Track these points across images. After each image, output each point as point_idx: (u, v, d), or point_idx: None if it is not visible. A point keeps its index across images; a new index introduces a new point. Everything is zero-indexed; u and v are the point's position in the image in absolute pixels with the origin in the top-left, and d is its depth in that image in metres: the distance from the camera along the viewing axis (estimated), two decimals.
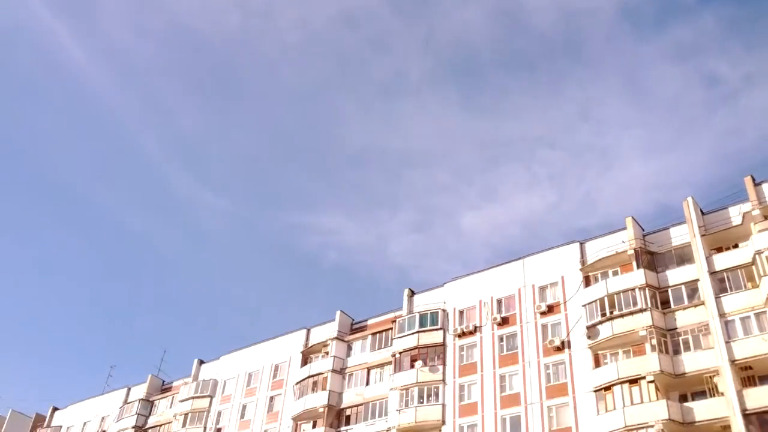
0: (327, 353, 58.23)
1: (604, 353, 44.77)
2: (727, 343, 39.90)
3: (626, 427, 40.22)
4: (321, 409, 54.93)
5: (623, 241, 46.97)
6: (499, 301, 51.62)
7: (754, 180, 44.39)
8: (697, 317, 42.28)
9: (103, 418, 75.05)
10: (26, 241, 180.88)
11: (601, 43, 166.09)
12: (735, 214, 44.63)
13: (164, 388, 73.33)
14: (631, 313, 43.52)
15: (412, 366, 51.76)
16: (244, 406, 62.68)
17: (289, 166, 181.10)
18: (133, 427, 68.98)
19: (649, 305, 43.26)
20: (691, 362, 41.09)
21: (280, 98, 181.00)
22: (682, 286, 43.77)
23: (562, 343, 46.58)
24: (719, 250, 44.17)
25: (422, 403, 50.07)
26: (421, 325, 53.40)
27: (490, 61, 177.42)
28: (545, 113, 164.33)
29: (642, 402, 40.78)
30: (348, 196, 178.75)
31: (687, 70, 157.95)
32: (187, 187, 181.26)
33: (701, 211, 45.74)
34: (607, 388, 42.64)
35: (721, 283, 42.35)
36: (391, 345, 54.70)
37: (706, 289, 42.36)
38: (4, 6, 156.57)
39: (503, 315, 50.69)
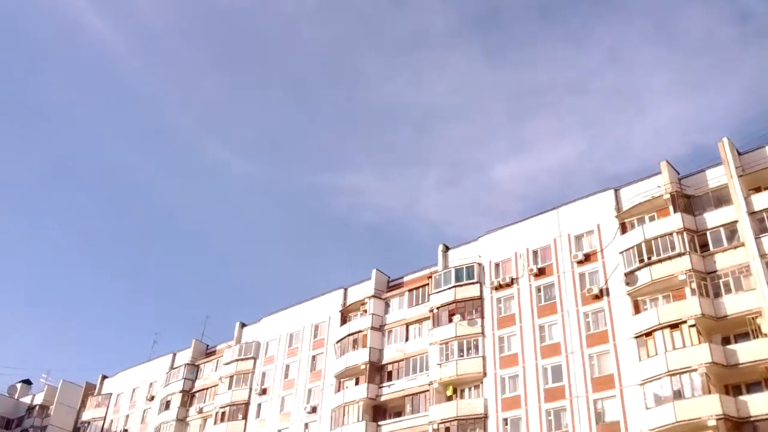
0: (365, 311, 58.74)
1: (644, 299, 44.51)
2: None
3: (669, 371, 40.15)
4: (362, 366, 55.63)
5: (659, 186, 46.34)
6: (535, 252, 51.42)
7: None
8: (737, 259, 41.74)
9: (151, 383, 76.94)
10: (69, 219, 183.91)
11: None
12: None
13: (208, 352, 74.79)
14: (670, 258, 43.12)
15: (450, 320, 52.03)
16: (287, 366, 63.74)
17: (315, 128, 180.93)
18: (180, 391, 70.64)
19: (688, 249, 42.79)
20: (732, 304, 40.72)
21: (302, 59, 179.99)
22: (721, 229, 43.17)
23: (601, 291, 46.37)
24: (757, 190, 43.31)
25: (462, 356, 50.41)
26: (458, 279, 53.50)
27: (514, 9, 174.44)
28: (573, 59, 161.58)
29: (684, 346, 40.58)
30: (377, 155, 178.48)
31: (717, 6, 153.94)
32: (215, 155, 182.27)
33: (737, 151, 44.84)
34: (648, 334, 42.44)
35: (761, 223, 41.66)
36: (428, 301, 54.96)
37: (745, 230, 41.72)
38: None
39: (539, 266, 50.51)
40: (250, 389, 64.96)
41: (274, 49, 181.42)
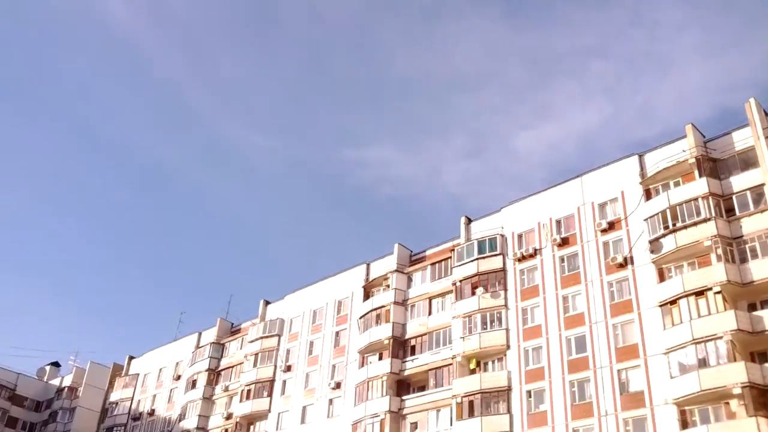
0: (388, 286, 58.41)
1: (669, 267, 43.57)
2: None
3: (694, 339, 39.34)
4: (386, 341, 55.39)
5: (684, 150, 45.20)
6: (558, 222, 50.60)
7: None
8: (764, 223, 40.69)
9: (177, 363, 77.49)
10: (93, 201, 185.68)
11: None
12: None
13: (233, 331, 75.02)
14: (695, 224, 42.15)
15: (473, 293, 51.48)
16: (311, 343, 63.74)
17: (334, 102, 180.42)
18: (206, 370, 71.05)
19: (713, 214, 41.80)
20: (759, 270, 39.68)
21: (319, 33, 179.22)
22: (747, 192, 42.06)
23: (625, 259, 45.51)
24: None
25: (486, 329, 49.88)
26: (480, 252, 52.89)
27: None
28: (595, 22, 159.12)
29: (709, 314, 39.73)
30: (397, 127, 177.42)
31: None
32: (237, 132, 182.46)
33: (765, 112, 43.56)
34: (673, 302, 41.57)
35: None
36: (450, 274, 54.45)
37: None
38: None
39: (563, 235, 49.73)
40: (275, 366, 65.09)
41: (291, 24, 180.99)
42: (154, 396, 77.93)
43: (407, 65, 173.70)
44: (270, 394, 64.05)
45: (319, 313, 64.76)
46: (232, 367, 70.15)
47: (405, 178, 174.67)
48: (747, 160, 43.07)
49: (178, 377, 75.94)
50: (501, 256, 52.21)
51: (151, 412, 76.61)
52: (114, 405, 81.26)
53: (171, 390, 76.40)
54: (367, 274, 62.24)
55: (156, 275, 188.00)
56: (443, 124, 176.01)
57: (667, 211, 43.68)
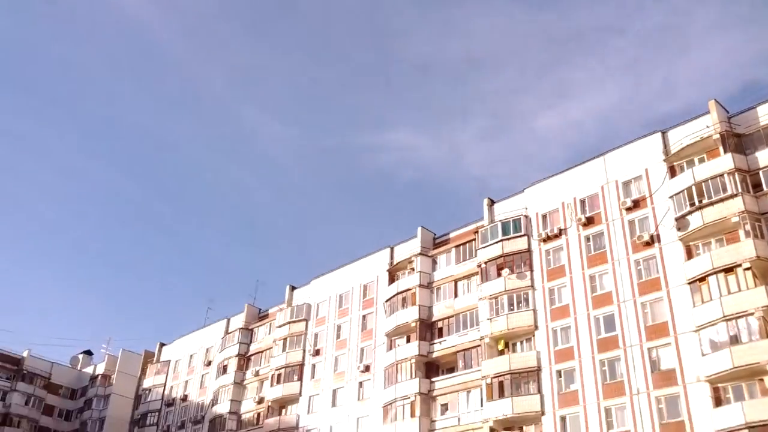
0: (413, 269, 58.63)
1: (696, 244, 43.38)
2: None
3: (724, 316, 39.26)
4: (413, 324, 55.71)
5: (707, 126, 44.75)
6: (583, 201, 50.42)
7: None
8: None
9: (207, 349, 78.49)
10: (118, 190, 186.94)
11: None
12: None
13: (261, 316, 75.77)
14: (722, 200, 41.84)
15: (499, 275, 51.58)
16: (339, 327, 64.28)
17: (352, 87, 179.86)
18: (236, 355, 71.93)
19: (740, 190, 41.46)
20: None
21: (334, 17, 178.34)
22: None
23: (652, 237, 45.34)
24: None
25: (513, 310, 50.04)
26: (504, 233, 52.89)
27: None
28: None
29: (740, 290, 39.60)
30: (416, 110, 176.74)
31: None
32: (254, 119, 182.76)
33: None
34: (702, 279, 41.41)
35: None
36: (475, 256, 54.55)
37: None
38: None
39: (588, 215, 49.54)
40: (304, 350, 65.76)
41: (306, 8, 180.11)
42: (186, 382, 79.09)
43: (424, 47, 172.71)
44: (300, 378, 64.78)
45: (345, 297, 65.21)
46: (262, 352, 70.99)
47: (426, 161, 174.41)
48: None
49: (209, 363, 76.96)
50: (526, 237, 52.18)
51: (184, 398, 77.79)
52: (147, 391, 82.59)
53: (202, 376, 77.47)
54: (392, 257, 62.47)
55: (183, 263, 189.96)
56: (463, 106, 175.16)
57: (693, 187, 43.37)
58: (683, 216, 43.46)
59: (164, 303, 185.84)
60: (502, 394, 47.89)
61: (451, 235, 59.77)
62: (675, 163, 46.25)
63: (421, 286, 56.93)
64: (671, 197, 44.68)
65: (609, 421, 42.95)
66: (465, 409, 50.94)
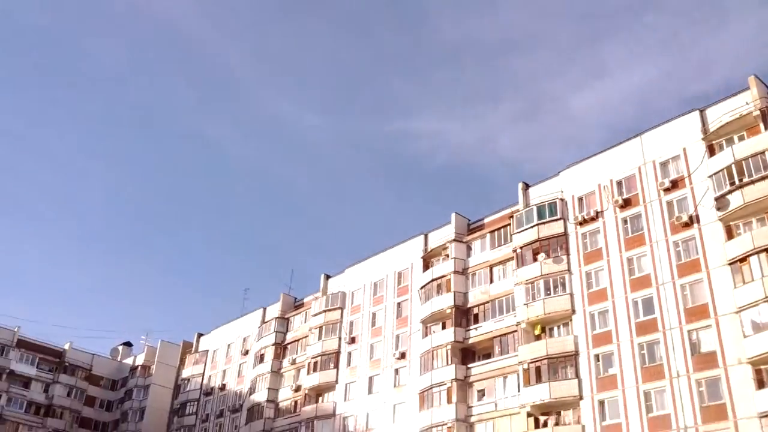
0: (447, 256, 58.28)
1: (737, 224, 42.41)
2: None
3: (767, 297, 38.39)
4: (448, 310, 55.42)
5: (747, 103, 43.67)
6: (619, 183, 49.61)
7: None
8: None
9: (244, 338, 79.05)
10: (157, 182, 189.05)
11: None
12: None
13: (297, 305, 76.09)
14: (763, 178, 40.85)
15: (535, 259, 51.07)
16: (374, 314, 64.21)
17: (383, 74, 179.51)
18: (273, 344, 72.35)
19: None
20: None
21: (364, 2, 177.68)
22: None
23: (690, 218, 44.45)
24: None
25: (549, 294, 49.51)
26: (540, 217, 52.31)
27: None
28: None
29: None
30: (447, 95, 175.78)
31: None
32: (287, 108, 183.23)
33: None
34: (743, 260, 40.52)
35: None
36: (510, 241, 54.03)
37: None
38: None
39: (625, 196, 48.73)
40: (339, 338, 65.87)
41: None
42: (224, 371, 79.76)
43: (454, 31, 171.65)
44: (336, 366, 64.91)
45: (379, 285, 65.10)
46: (298, 340, 71.27)
47: (458, 146, 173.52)
48: None
49: (246, 352, 77.49)
50: (561, 221, 51.54)
51: (222, 387, 78.45)
52: (186, 381, 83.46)
53: (240, 365, 78.06)
54: (426, 244, 62.19)
55: (217, 254, 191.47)
56: (495, 89, 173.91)
57: (733, 166, 42.42)
58: (723, 195, 42.53)
59: (201, 294, 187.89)
60: (539, 379, 47.45)
61: (486, 220, 59.28)
62: (714, 142, 45.23)
63: (455, 272, 56.57)
64: (710, 176, 43.75)
65: (648, 404, 42.28)
66: (502, 395, 50.57)
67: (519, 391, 48.80)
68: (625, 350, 44.59)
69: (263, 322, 76.46)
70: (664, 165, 47.53)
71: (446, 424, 51.48)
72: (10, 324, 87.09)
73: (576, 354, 46.94)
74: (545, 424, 46.50)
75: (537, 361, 47.94)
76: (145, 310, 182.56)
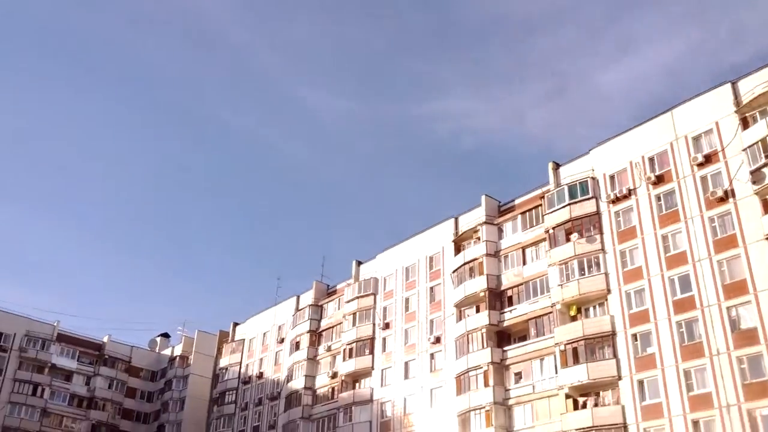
0: (478, 239, 57.94)
1: None
2: None
3: None
4: (481, 294, 55.20)
5: None
6: (651, 159, 48.87)
7: None
8: None
9: (279, 326, 79.59)
10: (191, 177, 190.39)
11: None
12: None
13: (329, 292, 76.32)
14: None
15: (568, 239, 50.59)
16: (407, 300, 64.18)
17: (408, 56, 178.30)
18: (308, 332, 72.76)
19: None
20: None
21: None
22: None
23: (726, 192, 43.67)
24: None
25: (584, 274, 49.08)
26: (571, 196, 51.76)
27: None
28: None
29: None
30: (473, 75, 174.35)
31: None
32: (311, 95, 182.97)
33: None
34: None
35: None
36: (542, 222, 53.56)
37: None
38: None
39: (657, 173, 48.00)
40: (373, 324, 65.98)
41: None
42: (261, 359, 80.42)
43: (480, 11, 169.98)
44: (371, 352, 65.11)
45: (411, 270, 65.00)
46: (332, 327, 71.58)
47: (486, 127, 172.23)
48: None
49: (282, 340, 78.03)
50: (594, 200, 50.95)
51: (260, 375, 79.17)
52: (224, 370, 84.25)
53: (276, 353, 78.67)
54: (456, 227, 61.89)
55: (250, 243, 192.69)
56: (521, 68, 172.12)
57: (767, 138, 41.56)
58: (758, 169, 41.72)
59: (234, 283, 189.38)
60: (576, 361, 47.17)
61: (516, 201, 58.80)
62: (747, 114, 44.32)
63: (488, 255, 56.26)
64: (745, 150, 42.90)
65: (689, 383, 41.86)
66: (539, 377, 50.36)
67: (556, 372, 48.55)
68: (663, 329, 44.12)
69: (297, 310, 76.87)
70: (696, 140, 46.71)
71: (484, 407, 51.46)
72: (49, 318, 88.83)
73: (613, 334, 46.53)
74: (584, 405, 46.29)
75: (573, 342, 47.63)
76: (182, 301, 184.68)
